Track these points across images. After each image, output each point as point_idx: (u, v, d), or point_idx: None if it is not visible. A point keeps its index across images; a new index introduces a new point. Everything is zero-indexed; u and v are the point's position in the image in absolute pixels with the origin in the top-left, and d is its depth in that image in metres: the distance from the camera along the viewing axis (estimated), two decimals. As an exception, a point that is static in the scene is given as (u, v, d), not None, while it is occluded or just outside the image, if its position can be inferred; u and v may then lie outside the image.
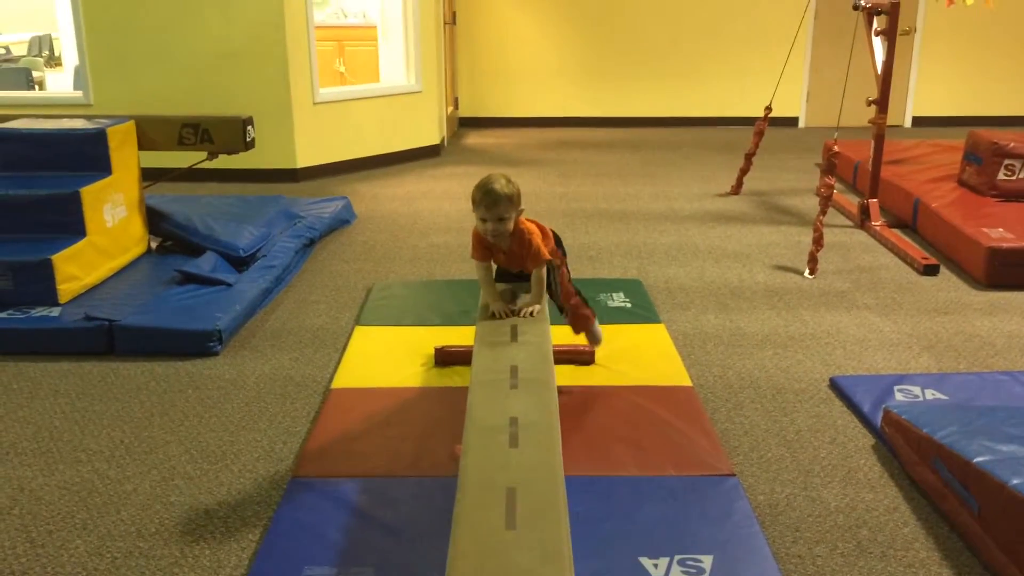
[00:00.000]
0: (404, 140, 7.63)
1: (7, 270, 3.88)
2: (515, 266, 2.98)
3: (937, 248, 5.05)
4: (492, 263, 3.01)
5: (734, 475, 2.70)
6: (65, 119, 4.77)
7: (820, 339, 3.84)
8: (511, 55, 9.52)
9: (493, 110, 9.66)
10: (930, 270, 4.70)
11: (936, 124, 9.34)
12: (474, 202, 2.82)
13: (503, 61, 9.54)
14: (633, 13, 9.37)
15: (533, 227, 2.93)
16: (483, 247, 2.93)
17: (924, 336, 3.88)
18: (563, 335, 3.43)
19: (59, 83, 10.29)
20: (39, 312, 3.83)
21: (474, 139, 8.96)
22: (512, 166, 7.54)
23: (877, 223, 5.43)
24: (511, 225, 2.83)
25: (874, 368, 3.55)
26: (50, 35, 11.63)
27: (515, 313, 2.86)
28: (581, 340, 3.52)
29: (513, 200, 2.79)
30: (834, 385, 3.38)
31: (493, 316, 2.86)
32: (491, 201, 2.76)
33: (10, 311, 3.83)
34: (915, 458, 2.71)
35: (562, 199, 6.34)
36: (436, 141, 7.93)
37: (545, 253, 2.90)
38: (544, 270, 2.91)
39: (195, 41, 6.58)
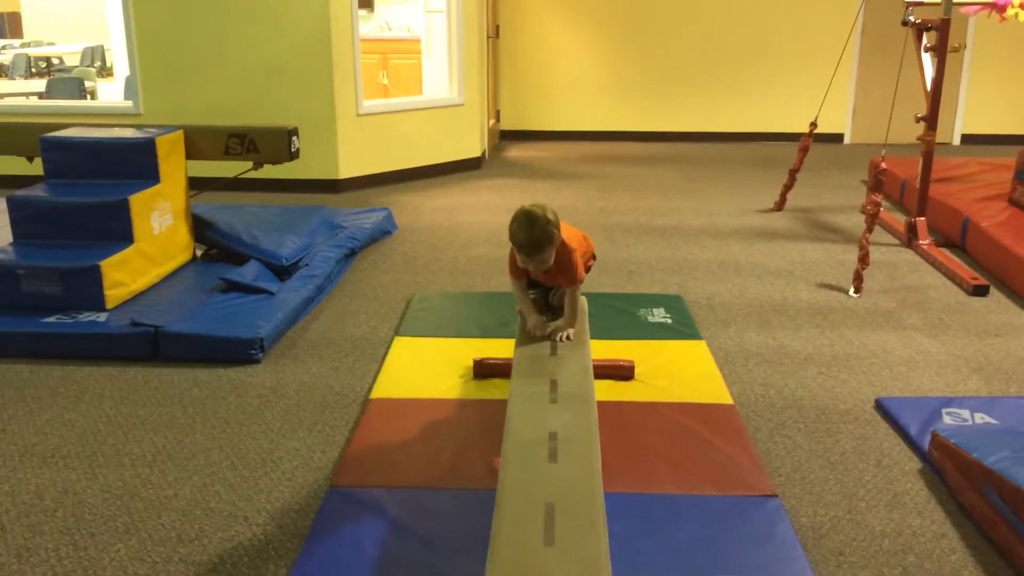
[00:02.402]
0: (446, 152, 7.67)
1: (56, 275, 3.96)
2: (551, 282, 2.96)
3: (986, 268, 4.94)
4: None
5: (776, 496, 2.65)
6: (115, 128, 4.86)
7: (865, 359, 3.77)
8: (553, 69, 9.53)
9: (535, 123, 9.67)
10: (980, 291, 4.59)
11: (986, 142, 9.16)
12: (513, 241, 2.75)
13: (545, 75, 9.55)
14: (678, 28, 9.34)
15: (575, 242, 2.89)
16: (519, 265, 2.90)
17: (973, 358, 3.79)
18: (603, 350, 3.41)
19: (110, 93, 10.52)
20: (86, 317, 3.90)
21: (515, 152, 8.98)
22: (553, 180, 7.55)
23: (925, 242, 5.33)
24: (552, 259, 2.77)
25: (921, 390, 3.48)
26: (102, 46, 11.92)
27: (550, 336, 2.81)
28: (621, 355, 3.50)
29: (554, 239, 2.72)
30: (880, 407, 3.31)
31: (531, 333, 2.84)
32: (533, 248, 2.69)
33: (58, 315, 3.90)
34: (964, 483, 2.64)
35: (602, 213, 6.31)
36: (477, 154, 7.95)
37: (582, 273, 2.86)
38: (578, 290, 2.87)
39: (243, 54, 6.68)
